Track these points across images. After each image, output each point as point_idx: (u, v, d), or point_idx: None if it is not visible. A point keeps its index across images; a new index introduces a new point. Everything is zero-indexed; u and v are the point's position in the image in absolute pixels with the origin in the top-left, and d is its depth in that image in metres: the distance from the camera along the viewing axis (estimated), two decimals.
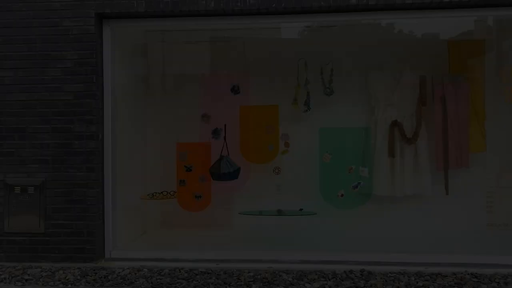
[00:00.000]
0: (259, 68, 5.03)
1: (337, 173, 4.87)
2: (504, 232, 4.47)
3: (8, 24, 4.03)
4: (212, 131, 4.84)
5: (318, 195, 4.93)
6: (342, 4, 3.84)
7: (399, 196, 4.71)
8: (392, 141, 4.72)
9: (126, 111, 4.75)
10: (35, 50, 4.01)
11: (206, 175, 4.78)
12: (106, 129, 4.14)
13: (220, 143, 4.79)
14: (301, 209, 4.71)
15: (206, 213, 4.90)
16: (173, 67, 5.13)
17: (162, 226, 4.90)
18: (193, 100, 5.06)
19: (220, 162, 4.64)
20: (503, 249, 4.22)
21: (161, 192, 4.66)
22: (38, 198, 4.01)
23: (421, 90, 4.69)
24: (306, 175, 5.03)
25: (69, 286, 3.54)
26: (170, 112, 4.99)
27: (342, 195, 4.83)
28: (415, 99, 4.75)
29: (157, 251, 4.26)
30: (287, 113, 4.98)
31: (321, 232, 4.76)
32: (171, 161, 4.89)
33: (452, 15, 3.95)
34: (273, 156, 4.91)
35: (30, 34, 4.01)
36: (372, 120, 4.89)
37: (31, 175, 4.02)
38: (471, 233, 4.55)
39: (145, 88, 5.26)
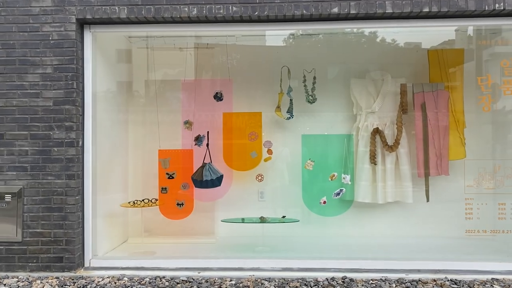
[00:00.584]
0: (242, 75, 5.03)
1: (320, 180, 4.89)
2: (482, 239, 4.53)
3: None
4: (195, 138, 4.81)
5: (300, 202, 4.95)
6: (324, 13, 3.87)
7: (380, 203, 4.74)
8: (373, 148, 4.76)
9: (108, 117, 4.71)
10: (14, 55, 3.94)
11: (188, 182, 4.75)
12: (86, 135, 4.09)
13: (202, 150, 4.77)
14: (283, 217, 4.71)
15: (188, 221, 4.87)
16: (156, 73, 5.10)
17: (144, 234, 4.83)
18: (176, 107, 5.03)
19: (203, 170, 4.61)
20: (481, 255, 4.28)
21: (143, 200, 4.60)
22: (16, 206, 3.92)
23: (402, 98, 4.75)
24: (289, 182, 5.05)
25: None
26: (153, 118, 4.95)
27: (324, 202, 4.85)
28: (396, 106, 4.81)
29: (137, 259, 4.20)
30: (270, 120, 4.99)
31: (304, 239, 4.76)
32: (153, 168, 4.85)
33: (431, 24, 4.02)
34: (256, 163, 4.91)
35: (9, 39, 3.95)
36: (354, 128, 4.93)
37: (8, 183, 3.94)
38: (451, 240, 4.60)
39: (128, 94, 5.22)
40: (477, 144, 4.87)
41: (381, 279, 3.74)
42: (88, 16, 3.95)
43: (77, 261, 3.98)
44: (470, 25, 4.02)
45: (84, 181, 4.08)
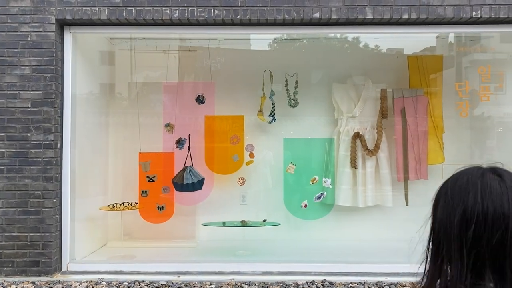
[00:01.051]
0: (225, 79, 5.03)
1: (301, 183, 4.91)
2: None
3: None
4: (176, 141, 4.78)
5: (282, 205, 4.95)
6: (305, 18, 3.90)
7: (361, 207, 4.78)
8: (354, 152, 4.80)
9: (88, 119, 4.66)
10: None
11: (169, 185, 4.71)
12: (65, 137, 4.03)
13: (184, 153, 4.74)
14: (265, 220, 4.71)
15: (168, 225, 4.83)
16: (138, 75, 5.06)
17: (124, 238, 4.78)
18: (157, 109, 5.00)
19: (184, 173, 4.57)
20: None
21: (122, 203, 4.55)
22: None
23: (382, 103, 4.81)
24: (270, 185, 5.05)
25: None
26: (134, 121, 4.91)
27: (305, 206, 4.86)
28: (376, 111, 4.87)
29: (116, 263, 4.15)
30: (253, 123, 5.00)
31: (285, 242, 4.77)
32: (134, 171, 4.81)
33: (411, 31, 4.10)
34: (238, 167, 4.90)
35: None
36: (336, 132, 4.96)
37: None
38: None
39: (109, 96, 5.17)
40: (456, 149, 4.95)
41: (360, 282, 3.77)
42: (68, 17, 3.90)
43: (54, 265, 3.91)
44: (448, 32, 4.11)
45: (63, 184, 4.02)
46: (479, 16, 3.87)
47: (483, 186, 0.97)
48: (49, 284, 3.70)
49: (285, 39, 5.04)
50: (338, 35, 4.89)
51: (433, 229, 1.02)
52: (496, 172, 1.00)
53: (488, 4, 3.87)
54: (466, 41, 4.87)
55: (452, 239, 0.97)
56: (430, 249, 1.03)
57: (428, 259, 1.01)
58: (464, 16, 3.88)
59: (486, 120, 4.86)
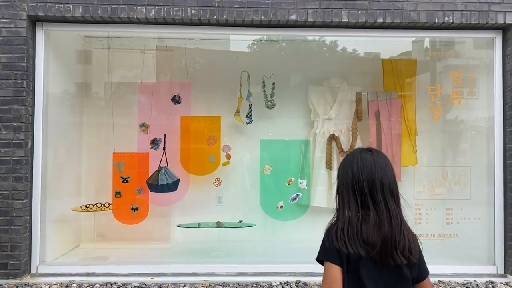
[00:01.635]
0: (202, 79, 5.01)
1: (277, 185, 4.92)
2: (431, 243, 4.69)
3: None
4: (151, 141, 4.73)
5: (258, 206, 4.96)
6: (282, 20, 3.92)
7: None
8: (329, 154, 4.85)
9: (62, 118, 4.58)
10: None
11: (143, 186, 4.66)
12: (36, 137, 3.94)
13: (159, 153, 4.69)
14: (240, 221, 4.70)
15: (143, 226, 4.77)
16: (113, 75, 4.99)
17: (97, 239, 4.70)
18: (133, 109, 4.94)
19: (159, 174, 4.53)
20: (430, 259, 4.41)
21: (95, 204, 4.47)
22: None
23: (357, 106, 4.87)
24: (246, 186, 5.05)
25: None
26: (108, 121, 4.83)
27: (281, 207, 4.88)
28: (352, 114, 4.92)
29: (88, 265, 4.08)
30: (229, 124, 4.99)
31: (260, 243, 4.77)
32: (108, 171, 4.73)
33: (385, 35, 4.17)
34: (214, 168, 4.88)
35: None
36: (312, 134, 5.00)
37: None
38: None
39: (84, 96, 5.08)
40: (429, 152, 5.05)
41: None
42: (41, 13, 3.82)
43: (23, 268, 3.81)
44: (422, 37, 4.18)
45: (33, 184, 3.92)
46: (451, 21, 3.96)
47: (361, 158, 1.72)
48: (17, 286, 3.61)
49: (265, 40, 5.05)
50: (317, 38, 4.93)
51: (338, 186, 1.77)
52: (369, 150, 1.76)
53: (460, 10, 3.97)
54: (440, 46, 4.98)
55: (348, 190, 1.71)
56: (337, 198, 1.77)
57: (337, 204, 1.77)
58: (436, 21, 3.97)
59: (459, 124, 4.96)
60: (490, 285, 3.83)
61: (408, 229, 1.71)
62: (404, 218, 1.73)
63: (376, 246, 1.62)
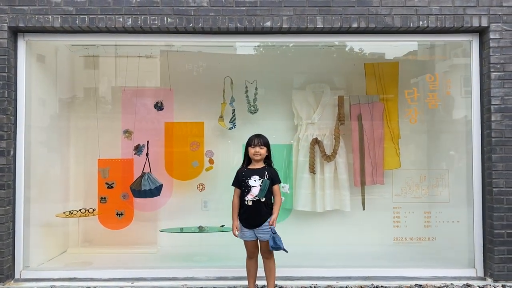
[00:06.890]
0: (184, 85, 5.07)
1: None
2: (409, 246, 4.70)
3: None
4: (135, 147, 4.80)
5: None
6: (257, 27, 3.97)
7: (319, 211, 4.84)
8: (312, 158, 4.87)
9: (46, 126, 4.65)
10: None
11: (128, 192, 4.72)
12: (19, 144, 4.03)
13: (143, 159, 4.76)
14: (223, 225, 4.74)
15: (128, 231, 4.84)
16: (96, 81, 5.07)
17: (84, 245, 4.78)
18: (116, 116, 5.01)
19: (142, 179, 4.59)
20: (408, 262, 4.44)
21: (79, 210, 4.55)
22: None
23: (339, 109, 4.89)
24: (230, 191, 5.08)
25: None
26: (92, 127, 4.91)
27: None
28: (335, 118, 4.94)
29: (70, 270, 4.16)
30: (213, 129, 5.04)
31: (243, 247, 4.79)
32: (92, 177, 4.81)
33: (361, 40, 4.21)
34: (197, 173, 4.93)
35: None
36: (295, 138, 5.03)
37: None
38: (381, 247, 4.74)
39: (69, 103, 5.16)
40: (412, 154, 5.05)
41: (310, 286, 3.83)
42: (21, 25, 3.91)
43: (6, 273, 3.89)
44: (397, 41, 4.18)
45: (16, 190, 4.01)
46: (426, 25, 3.98)
47: (253, 136, 3.58)
48: None
49: (247, 46, 5.08)
50: (293, 44, 4.94)
51: (245, 151, 3.59)
52: (259, 134, 3.61)
53: (434, 14, 3.98)
54: (420, 50, 4.98)
55: (246, 152, 3.57)
56: (244, 156, 3.61)
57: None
58: (411, 25, 3.98)
59: (436, 127, 4.96)
60: None
61: None
62: None
63: None
